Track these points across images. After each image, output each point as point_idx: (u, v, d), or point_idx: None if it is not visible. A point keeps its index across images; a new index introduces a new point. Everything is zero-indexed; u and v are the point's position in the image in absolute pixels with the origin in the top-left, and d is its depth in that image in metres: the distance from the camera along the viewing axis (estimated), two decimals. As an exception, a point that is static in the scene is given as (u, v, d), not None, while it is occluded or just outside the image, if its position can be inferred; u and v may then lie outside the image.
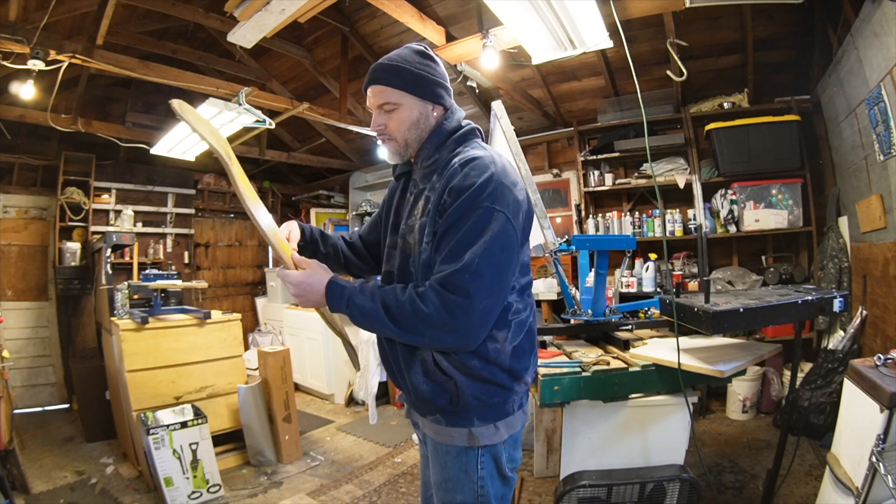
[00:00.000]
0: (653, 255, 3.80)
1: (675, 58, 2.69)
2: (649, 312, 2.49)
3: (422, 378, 1.12)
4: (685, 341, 1.92)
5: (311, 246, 1.37)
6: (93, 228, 4.60)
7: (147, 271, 3.53)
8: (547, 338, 2.27)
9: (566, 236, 2.22)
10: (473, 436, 1.11)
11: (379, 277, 1.32)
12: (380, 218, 1.41)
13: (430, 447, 1.20)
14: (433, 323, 1.01)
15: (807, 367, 3.15)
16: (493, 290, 1.03)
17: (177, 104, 1.17)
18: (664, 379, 1.83)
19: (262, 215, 1.19)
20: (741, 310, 1.66)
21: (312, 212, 6.06)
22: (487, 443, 1.12)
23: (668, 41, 2.93)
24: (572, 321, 2.24)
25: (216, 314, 3.29)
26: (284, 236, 1.28)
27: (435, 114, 1.20)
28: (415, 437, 3.47)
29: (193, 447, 2.63)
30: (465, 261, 1.00)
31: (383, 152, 1.23)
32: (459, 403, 1.10)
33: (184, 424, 2.62)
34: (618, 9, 2.17)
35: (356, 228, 1.52)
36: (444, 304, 0.99)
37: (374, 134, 1.21)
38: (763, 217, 3.52)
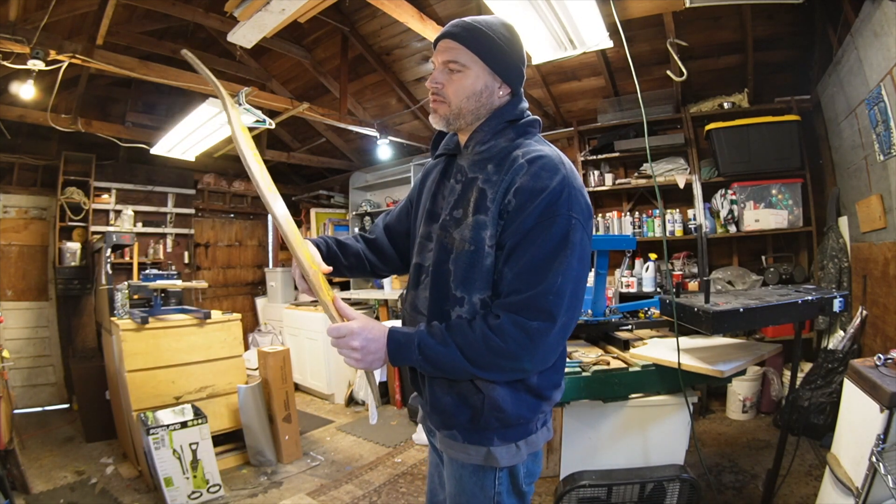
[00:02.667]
0: (653, 255, 3.80)
1: (675, 58, 2.69)
2: (649, 312, 2.49)
3: (445, 389, 1.02)
4: (685, 341, 1.92)
5: (331, 261, 1.20)
6: (93, 228, 4.60)
7: (147, 271, 3.53)
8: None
9: (566, 236, 2.22)
10: (492, 456, 1.02)
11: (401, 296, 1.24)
12: (410, 204, 1.26)
13: (445, 458, 1.12)
14: (515, 356, 0.93)
15: (807, 367, 3.15)
16: (572, 307, 0.95)
17: (189, 56, 1.17)
18: (664, 379, 1.83)
19: (279, 207, 1.04)
20: (741, 310, 1.66)
21: (312, 212, 6.05)
22: (506, 464, 1.03)
23: (668, 41, 2.93)
24: (572, 321, 2.24)
25: (216, 314, 3.29)
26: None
27: (501, 93, 1.07)
28: (416, 437, 3.46)
29: (193, 447, 2.63)
30: (548, 281, 0.91)
31: (431, 117, 1.10)
32: (481, 421, 1.00)
33: (184, 424, 2.62)
34: (618, 9, 2.17)
35: (378, 219, 1.37)
36: (526, 334, 0.91)
37: (428, 88, 1.09)
38: (763, 217, 3.52)
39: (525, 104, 1.12)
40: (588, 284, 2.26)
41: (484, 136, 1.06)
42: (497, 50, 1.04)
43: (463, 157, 1.11)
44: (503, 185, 0.98)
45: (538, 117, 1.12)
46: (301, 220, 6.21)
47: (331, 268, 1.14)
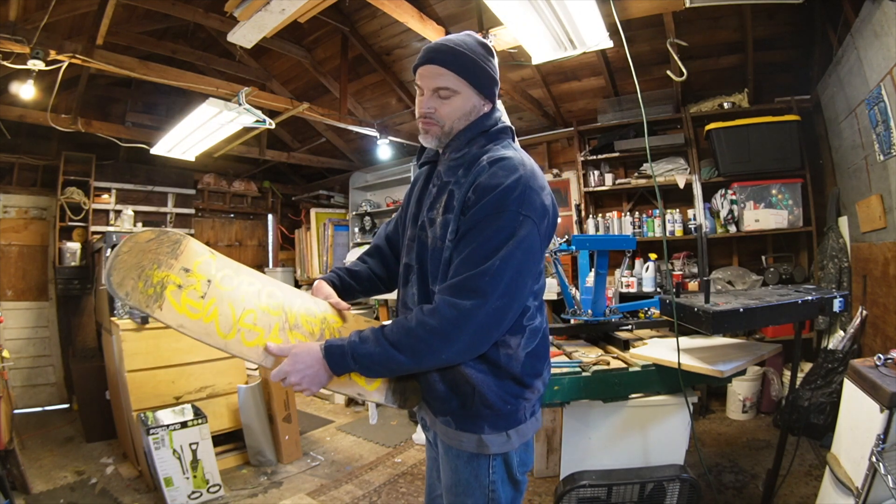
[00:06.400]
0: (653, 255, 3.80)
1: (675, 58, 2.69)
2: (649, 312, 2.49)
3: (437, 376, 1.09)
4: (685, 341, 1.92)
5: (347, 292, 1.30)
6: (93, 228, 4.59)
7: (147, 271, 3.52)
8: (547, 338, 2.26)
9: (566, 236, 2.23)
10: (483, 443, 1.08)
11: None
12: (404, 212, 1.34)
13: (441, 449, 1.17)
14: (446, 335, 0.97)
15: (807, 367, 3.14)
16: (509, 293, 0.99)
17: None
18: (664, 379, 1.83)
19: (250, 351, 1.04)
20: (741, 310, 1.66)
21: (312, 212, 6.05)
22: (497, 451, 1.09)
23: (668, 41, 2.92)
24: (572, 321, 2.25)
25: (216, 314, 3.28)
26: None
27: (485, 110, 1.16)
28: (416, 437, 3.46)
29: (193, 447, 2.63)
30: (486, 265, 0.97)
31: (422, 136, 1.17)
32: (472, 407, 1.07)
33: (184, 424, 2.62)
34: (618, 9, 2.17)
35: (380, 228, 1.46)
36: (457, 311, 0.96)
37: (420, 116, 1.15)
38: (763, 217, 3.52)
39: (499, 113, 1.20)
40: (588, 284, 2.27)
41: (459, 145, 1.14)
42: (480, 71, 1.12)
43: (441, 163, 1.19)
44: (466, 185, 1.06)
45: (510, 125, 1.20)
46: (301, 219, 6.21)
47: (348, 305, 1.24)
